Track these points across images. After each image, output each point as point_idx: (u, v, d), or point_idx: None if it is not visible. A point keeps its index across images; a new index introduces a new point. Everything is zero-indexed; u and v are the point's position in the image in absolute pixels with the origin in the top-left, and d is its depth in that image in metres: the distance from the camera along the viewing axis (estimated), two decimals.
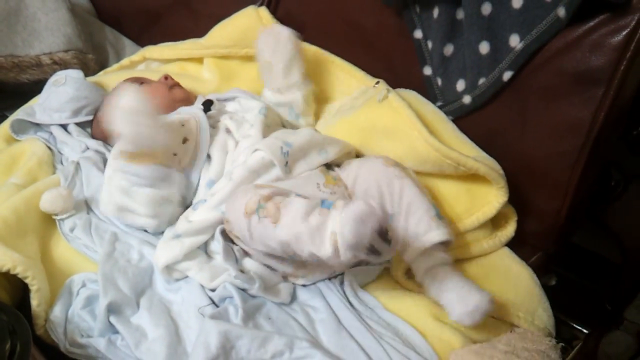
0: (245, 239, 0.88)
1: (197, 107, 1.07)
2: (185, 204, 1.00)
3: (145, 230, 0.99)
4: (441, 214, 0.95)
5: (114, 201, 0.96)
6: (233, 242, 0.96)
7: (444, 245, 0.92)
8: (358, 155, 1.09)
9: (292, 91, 1.13)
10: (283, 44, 1.09)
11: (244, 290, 0.89)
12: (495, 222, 1.04)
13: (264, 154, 0.96)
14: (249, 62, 1.28)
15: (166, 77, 1.16)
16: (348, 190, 0.99)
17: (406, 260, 0.93)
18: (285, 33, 1.10)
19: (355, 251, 0.76)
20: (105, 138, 1.14)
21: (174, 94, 1.14)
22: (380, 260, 0.82)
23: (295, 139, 0.99)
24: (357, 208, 0.75)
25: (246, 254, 0.95)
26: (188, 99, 1.16)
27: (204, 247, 0.95)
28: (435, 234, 0.90)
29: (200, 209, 0.94)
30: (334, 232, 0.76)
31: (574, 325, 1.19)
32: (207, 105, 1.07)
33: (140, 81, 1.16)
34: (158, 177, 0.95)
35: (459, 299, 0.85)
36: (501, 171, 0.99)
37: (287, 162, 0.96)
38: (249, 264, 0.92)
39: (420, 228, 0.91)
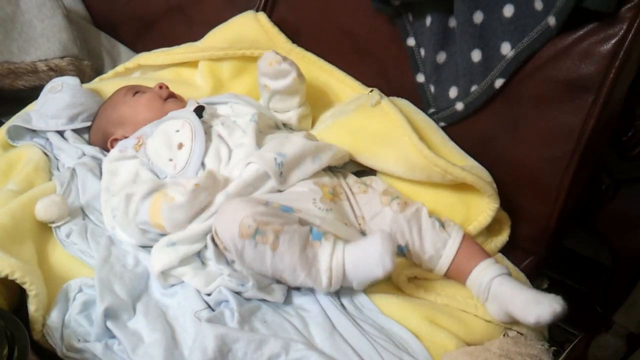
0: (234, 256, 0.89)
1: (190, 111, 1.06)
2: None
3: None
4: (441, 218, 0.99)
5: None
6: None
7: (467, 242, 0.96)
8: (351, 158, 1.10)
9: (287, 114, 1.15)
10: (286, 76, 1.07)
11: (238, 293, 0.90)
12: (489, 228, 1.05)
13: (258, 166, 0.96)
14: (244, 66, 1.29)
15: (161, 86, 1.15)
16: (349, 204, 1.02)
17: (441, 271, 0.96)
18: (291, 70, 1.07)
19: None
20: (102, 145, 1.14)
21: (167, 109, 1.12)
22: None
23: (289, 149, 0.99)
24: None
25: None
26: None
27: (198, 254, 0.95)
28: (450, 244, 0.95)
29: (197, 219, 0.95)
30: (329, 269, 0.86)
31: (566, 328, 1.20)
32: (199, 111, 1.06)
33: (135, 90, 1.16)
34: None
35: (534, 301, 0.86)
36: (489, 179, 1.01)
37: (281, 173, 0.97)
38: (240, 266, 0.93)
39: (437, 244, 0.96)
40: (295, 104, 1.13)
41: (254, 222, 0.85)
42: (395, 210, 0.99)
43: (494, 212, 1.01)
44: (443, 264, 0.95)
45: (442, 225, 0.98)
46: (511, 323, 0.91)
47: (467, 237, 0.97)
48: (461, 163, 1.03)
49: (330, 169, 1.08)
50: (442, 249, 0.95)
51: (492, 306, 0.91)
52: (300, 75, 1.08)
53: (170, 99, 1.16)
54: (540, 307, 0.84)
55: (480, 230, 1.02)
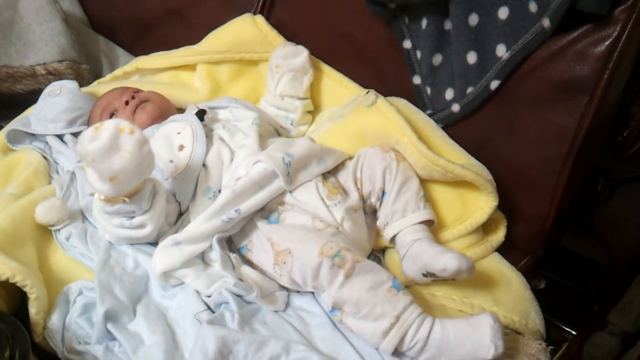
0: (309, 276, 0.88)
1: (191, 114, 1.07)
2: (180, 210, 1.01)
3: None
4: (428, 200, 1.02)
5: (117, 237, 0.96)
6: (230, 250, 0.97)
7: (427, 224, 1.00)
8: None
9: (293, 100, 1.19)
10: (299, 55, 1.18)
11: (239, 296, 0.90)
12: (485, 228, 1.06)
13: (266, 165, 0.96)
14: (242, 69, 1.29)
15: (127, 102, 1.11)
16: (346, 190, 1.03)
17: (388, 234, 1.00)
18: (304, 49, 1.19)
19: None
20: None
21: (139, 120, 1.09)
22: None
23: (295, 150, 1.00)
24: None
25: (245, 262, 0.96)
26: (162, 115, 1.12)
27: (201, 255, 0.96)
28: (423, 213, 0.99)
29: (200, 217, 0.95)
30: (396, 317, 0.82)
31: (563, 327, 1.21)
32: (201, 115, 1.07)
33: (110, 112, 1.13)
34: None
35: (445, 252, 0.90)
36: (489, 177, 1.01)
37: (289, 172, 0.97)
38: (246, 271, 0.94)
39: (409, 206, 0.99)
40: (303, 89, 1.19)
41: (337, 245, 0.86)
42: (392, 157, 1.02)
43: (492, 210, 1.01)
44: (400, 224, 0.99)
45: (425, 198, 1.01)
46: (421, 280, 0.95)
47: (432, 221, 1.00)
48: (462, 161, 1.03)
49: None
50: (409, 212, 0.99)
51: (407, 263, 0.95)
52: (310, 56, 1.18)
53: (138, 110, 1.11)
54: (450, 255, 0.88)
55: (476, 227, 1.02)
